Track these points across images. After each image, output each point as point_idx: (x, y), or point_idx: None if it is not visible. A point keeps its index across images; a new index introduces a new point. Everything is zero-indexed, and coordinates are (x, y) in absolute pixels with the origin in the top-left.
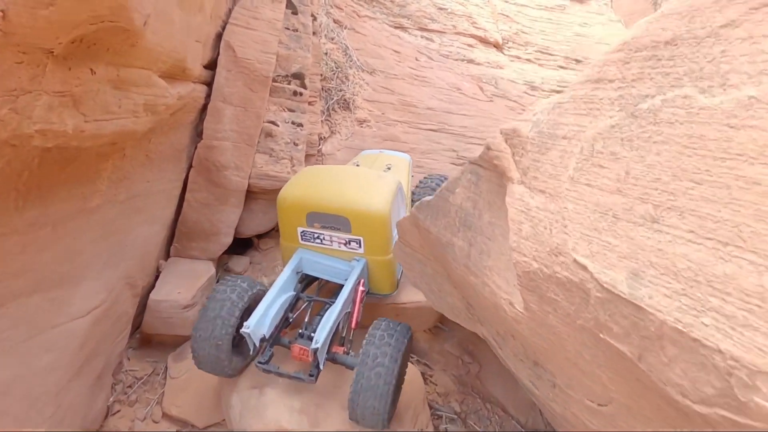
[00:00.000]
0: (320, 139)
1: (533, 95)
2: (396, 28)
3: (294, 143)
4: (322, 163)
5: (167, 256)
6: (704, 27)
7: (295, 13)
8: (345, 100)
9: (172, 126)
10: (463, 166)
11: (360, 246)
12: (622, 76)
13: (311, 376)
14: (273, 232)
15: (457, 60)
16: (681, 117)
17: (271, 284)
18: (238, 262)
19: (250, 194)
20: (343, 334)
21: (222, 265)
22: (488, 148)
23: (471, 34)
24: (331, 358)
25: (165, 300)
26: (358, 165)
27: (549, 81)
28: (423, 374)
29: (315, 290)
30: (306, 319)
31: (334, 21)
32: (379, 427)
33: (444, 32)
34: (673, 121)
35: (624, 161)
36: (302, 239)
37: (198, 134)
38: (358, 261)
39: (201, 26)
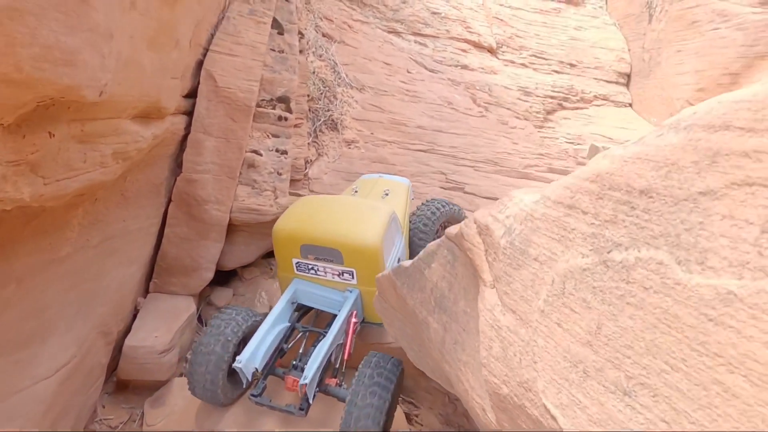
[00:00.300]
0: (306, 162)
1: (527, 101)
2: (389, 32)
3: (278, 173)
4: (309, 188)
5: (146, 292)
6: (681, 188)
7: (281, 32)
8: (333, 120)
9: (149, 162)
10: (441, 240)
11: (353, 277)
12: (595, 211)
13: (301, 409)
14: (257, 261)
15: (450, 66)
16: (656, 285)
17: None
18: (221, 295)
19: (233, 226)
20: (337, 366)
21: (204, 298)
22: (462, 236)
23: (465, 38)
24: (324, 390)
25: (141, 346)
26: (356, 191)
27: (543, 86)
28: (408, 414)
29: (311, 319)
30: (300, 350)
31: (323, 35)
32: None
33: (437, 37)
34: (647, 287)
35: (595, 312)
36: (297, 270)
37: (178, 165)
38: (350, 292)
39: (177, 62)
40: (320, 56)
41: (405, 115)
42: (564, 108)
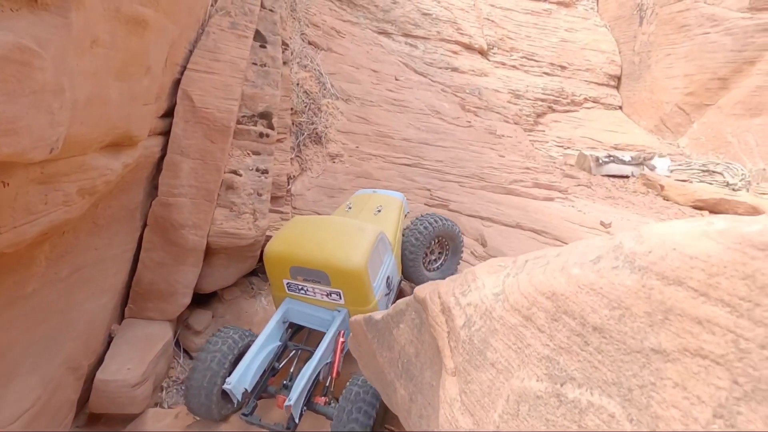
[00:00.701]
0: (289, 178)
1: (517, 104)
2: (379, 33)
3: (257, 194)
4: (291, 205)
5: (121, 318)
6: (635, 338)
7: (263, 45)
8: (317, 133)
9: (123, 187)
10: (409, 299)
11: (341, 297)
12: (550, 332)
13: (288, 428)
14: (238, 280)
15: (441, 68)
16: None
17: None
18: (200, 318)
19: (211, 249)
20: (326, 384)
21: (182, 322)
22: (427, 307)
23: (455, 40)
24: (312, 409)
25: (113, 380)
26: (350, 207)
27: (533, 88)
28: None
29: (304, 338)
30: (291, 369)
31: (309, 43)
32: None
33: (428, 39)
34: None
35: None
36: (288, 290)
37: (154, 187)
38: (339, 312)
39: (150, 88)
40: (305, 67)
41: (391, 126)
42: (554, 111)
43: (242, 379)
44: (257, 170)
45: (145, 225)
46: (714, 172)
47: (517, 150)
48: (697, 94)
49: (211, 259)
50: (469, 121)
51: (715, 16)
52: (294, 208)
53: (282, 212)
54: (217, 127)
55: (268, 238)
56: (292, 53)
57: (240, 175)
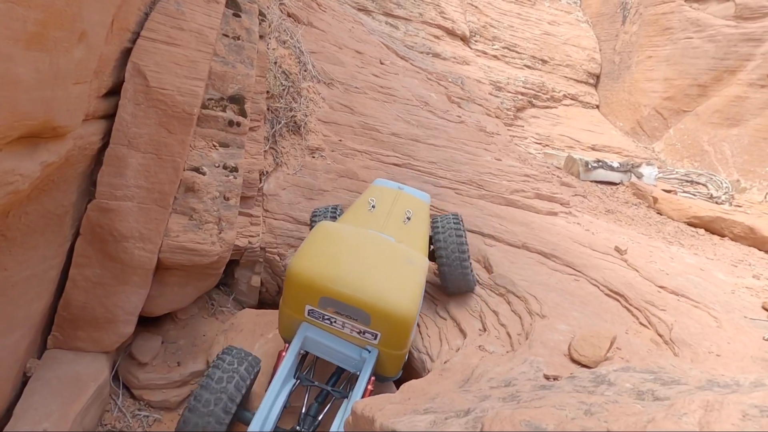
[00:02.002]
0: (262, 174)
1: (498, 97)
2: (359, 10)
3: (224, 197)
4: (263, 206)
5: (42, 350)
6: None
7: (237, 14)
8: (295, 122)
9: (46, 188)
10: None
11: (375, 339)
12: None
13: None
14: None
15: (422, 53)
16: None
17: None
18: (146, 346)
19: (163, 265)
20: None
21: (123, 349)
22: None
23: (438, 24)
24: None
25: None
26: (374, 206)
27: (514, 81)
28: None
29: (306, 369)
30: (303, 410)
31: (289, 15)
32: None
33: (410, 20)
34: None
35: None
36: (309, 315)
37: (92, 186)
38: (370, 351)
39: (85, 61)
40: (284, 42)
41: (378, 118)
42: (534, 106)
43: (266, 423)
44: (225, 167)
45: (77, 234)
46: (697, 183)
47: (510, 151)
48: (676, 99)
49: (163, 275)
50: (460, 116)
51: (700, 21)
52: (266, 210)
53: (251, 215)
54: (176, 113)
55: (237, 250)
56: (270, 26)
57: (203, 174)
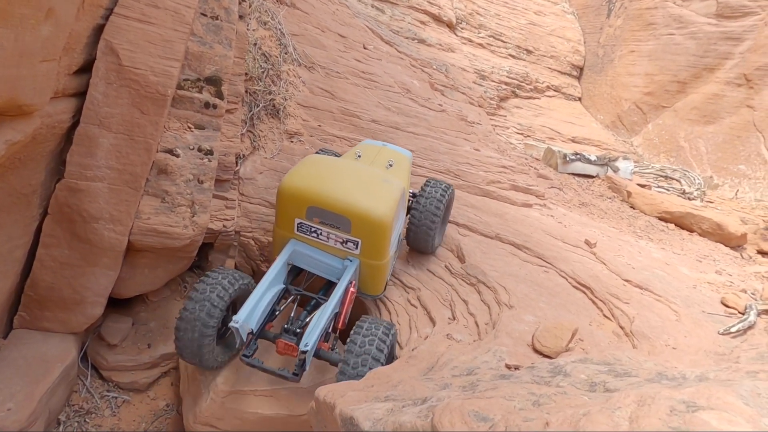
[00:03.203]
0: (238, 158)
1: (482, 85)
2: None
3: (198, 180)
4: (239, 190)
5: (8, 329)
6: None
7: None
8: (274, 106)
9: (12, 166)
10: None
11: (357, 247)
12: None
13: (295, 374)
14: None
15: (407, 38)
16: None
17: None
18: (115, 328)
19: (134, 246)
20: (329, 331)
21: (92, 332)
22: None
23: (424, 9)
24: (316, 354)
25: None
26: (359, 156)
27: (499, 71)
28: None
29: (302, 282)
30: (292, 314)
31: None
32: None
33: (396, 4)
34: None
35: None
36: (298, 230)
37: (61, 165)
38: (351, 261)
39: (53, 38)
40: (265, 24)
41: (358, 104)
42: (517, 96)
43: (249, 319)
44: (200, 150)
45: (45, 213)
46: (671, 178)
47: (489, 141)
48: (656, 94)
49: (134, 257)
50: (441, 104)
51: (682, 18)
52: (242, 194)
53: (227, 198)
54: (149, 93)
55: (211, 233)
56: (250, 5)
57: (177, 156)
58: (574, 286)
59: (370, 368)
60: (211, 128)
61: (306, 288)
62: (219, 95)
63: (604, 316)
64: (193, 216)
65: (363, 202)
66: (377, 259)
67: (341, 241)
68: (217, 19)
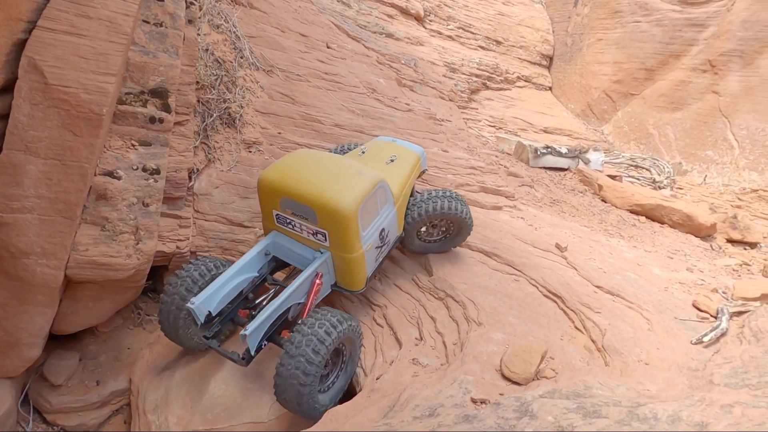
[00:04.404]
0: (191, 173)
1: (452, 78)
2: None
3: (143, 204)
4: (194, 207)
5: None
6: None
7: None
8: (230, 114)
9: None
10: None
11: (326, 239)
12: None
13: (243, 358)
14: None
15: (374, 33)
16: None
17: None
18: (59, 367)
19: (73, 281)
20: (292, 319)
21: (35, 371)
22: None
23: (392, 2)
24: (277, 342)
25: None
26: (363, 152)
27: (469, 63)
28: None
29: (288, 275)
30: (264, 303)
31: None
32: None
33: None
34: None
35: None
36: (277, 222)
37: None
38: (321, 253)
39: None
40: (218, 27)
41: (321, 108)
42: (488, 88)
43: (207, 301)
44: (144, 170)
45: None
46: (641, 167)
47: (459, 139)
48: (624, 82)
49: (75, 290)
50: (408, 104)
51: (648, 5)
52: (197, 211)
53: (180, 217)
54: (82, 113)
55: (164, 256)
56: (200, 9)
57: (118, 178)
58: (544, 295)
59: (315, 350)
60: (158, 144)
61: (289, 280)
62: (166, 108)
63: (576, 328)
64: (138, 243)
65: (327, 192)
66: (347, 251)
67: (311, 232)
68: (161, 25)
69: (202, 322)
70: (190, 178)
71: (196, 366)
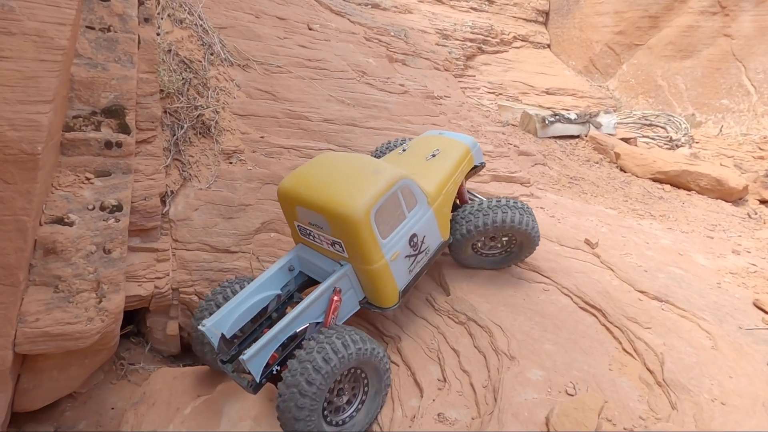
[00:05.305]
0: (164, 197)
1: (446, 46)
2: None
3: (104, 250)
4: (172, 236)
5: None
6: None
7: None
8: (203, 122)
9: None
10: None
11: (343, 249)
12: None
13: (250, 386)
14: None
15: (360, 5)
16: None
17: None
18: None
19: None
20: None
21: None
22: None
23: None
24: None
25: None
26: (405, 150)
27: (461, 27)
28: None
29: None
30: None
31: None
32: None
33: None
34: None
35: None
36: (301, 234)
37: None
38: (341, 266)
39: None
40: (181, 22)
41: (307, 102)
42: (484, 52)
43: (219, 323)
44: (103, 208)
45: None
46: (655, 125)
47: (461, 118)
48: (627, 33)
49: (35, 362)
50: (403, 84)
51: None
52: (176, 241)
53: (157, 250)
54: (11, 156)
55: (141, 299)
56: (157, 4)
57: (70, 224)
58: (581, 308)
59: (308, 381)
60: (118, 173)
61: None
62: (124, 128)
63: (625, 351)
64: (101, 301)
65: (335, 196)
66: (365, 262)
67: (329, 242)
68: (109, 30)
69: (216, 345)
70: (164, 203)
71: (192, 426)
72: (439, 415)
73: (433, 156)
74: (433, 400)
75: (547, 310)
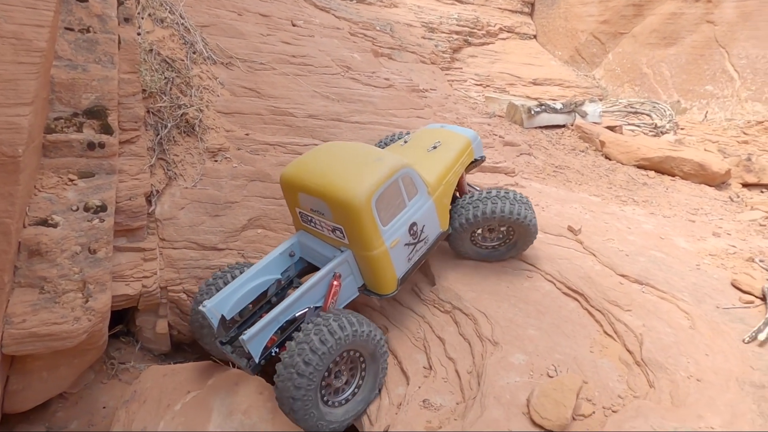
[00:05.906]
0: (150, 196)
1: (432, 39)
2: None
3: (89, 250)
4: (158, 236)
5: None
6: None
7: None
8: (187, 121)
9: None
10: None
11: (344, 235)
12: None
13: (249, 366)
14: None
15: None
16: None
17: None
18: None
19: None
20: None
21: None
22: None
23: None
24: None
25: None
26: (406, 141)
27: (447, 20)
28: None
29: None
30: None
31: None
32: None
33: None
34: None
35: None
36: (302, 220)
37: None
38: (341, 252)
39: None
40: (162, 21)
41: (291, 99)
42: (470, 44)
43: (220, 304)
44: (87, 209)
45: None
46: (640, 113)
47: (446, 110)
48: (612, 21)
49: (23, 363)
50: (388, 78)
51: None
52: (162, 239)
53: (144, 249)
54: None
55: (129, 299)
56: (137, 3)
57: (54, 225)
58: (564, 293)
59: (306, 361)
60: (102, 173)
61: None
62: (106, 129)
63: (606, 333)
64: (87, 301)
65: (336, 182)
66: (365, 248)
67: (330, 228)
68: (88, 31)
69: (216, 326)
70: (149, 202)
71: (183, 422)
72: (424, 401)
73: (434, 148)
74: (419, 387)
75: (531, 296)
